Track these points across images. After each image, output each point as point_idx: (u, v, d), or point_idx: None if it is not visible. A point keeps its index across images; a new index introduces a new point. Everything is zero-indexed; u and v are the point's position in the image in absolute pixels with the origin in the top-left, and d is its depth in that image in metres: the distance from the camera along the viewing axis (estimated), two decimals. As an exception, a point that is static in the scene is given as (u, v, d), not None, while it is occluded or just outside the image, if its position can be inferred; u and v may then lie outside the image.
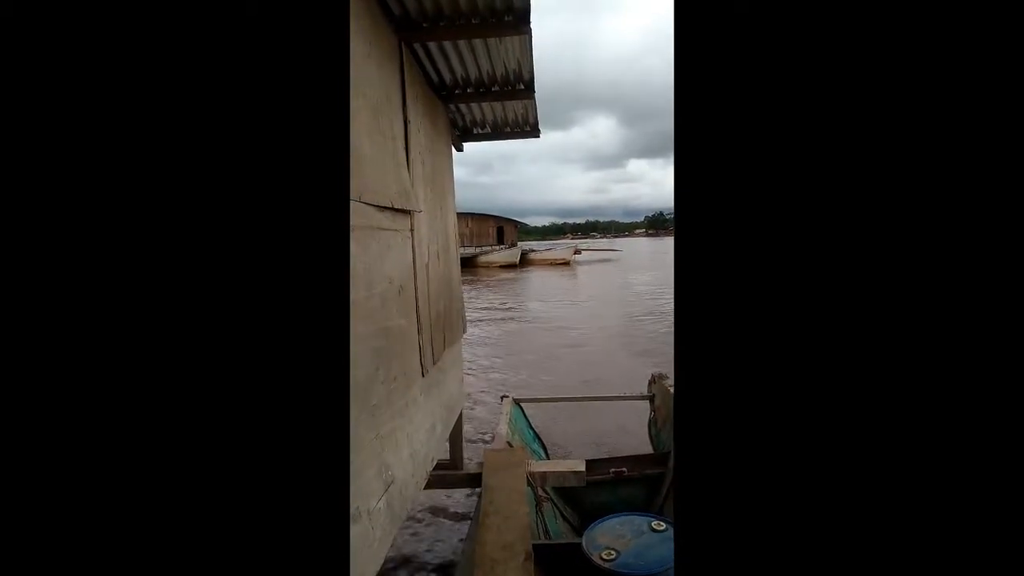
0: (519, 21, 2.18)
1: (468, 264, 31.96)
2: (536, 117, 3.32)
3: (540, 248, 40.96)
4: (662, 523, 2.33)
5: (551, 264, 32.46)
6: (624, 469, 3.07)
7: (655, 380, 4.07)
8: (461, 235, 38.30)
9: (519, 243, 44.63)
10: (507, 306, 15.30)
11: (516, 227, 47.64)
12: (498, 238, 42.73)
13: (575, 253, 34.22)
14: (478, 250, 35.59)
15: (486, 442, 4.07)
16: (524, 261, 33.26)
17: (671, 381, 3.88)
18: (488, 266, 31.61)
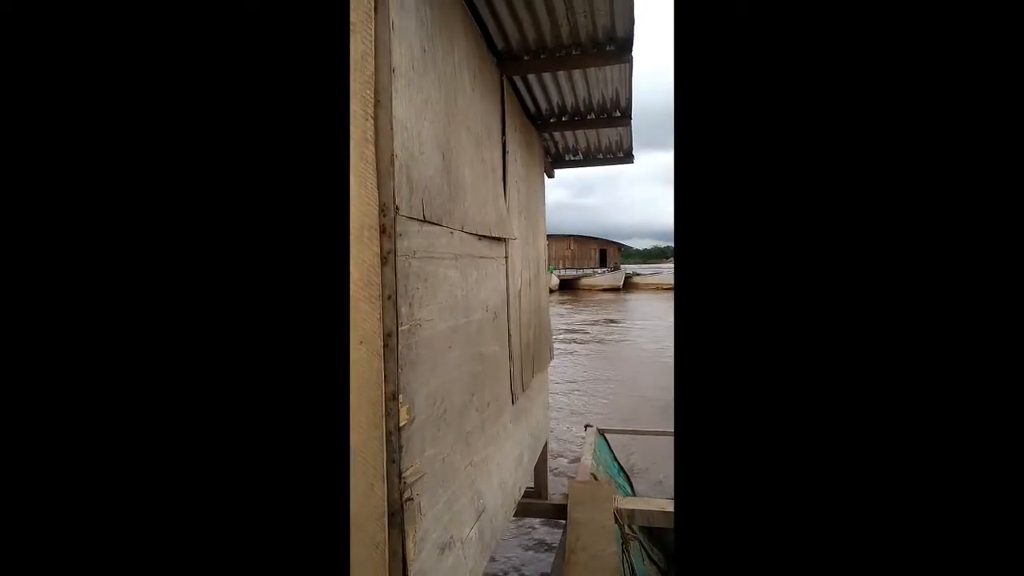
0: (621, 50, 2.17)
1: (570, 287, 31.90)
2: (631, 143, 3.28)
3: (644, 272, 39.83)
4: None
5: (656, 289, 31.43)
6: None
7: None
8: (563, 257, 38.75)
9: (621, 266, 43.84)
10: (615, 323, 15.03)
11: (619, 249, 46.95)
12: (600, 261, 42.35)
13: None
14: (580, 273, 35.44)
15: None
16: (628, 285, 32.50)
17: None
18: (591, 289, 31.31)
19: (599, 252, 43.03)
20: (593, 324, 16.10)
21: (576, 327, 15.44)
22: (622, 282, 31.83)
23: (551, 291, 29.08)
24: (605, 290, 30.67)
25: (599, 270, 37.84)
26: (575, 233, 43.10)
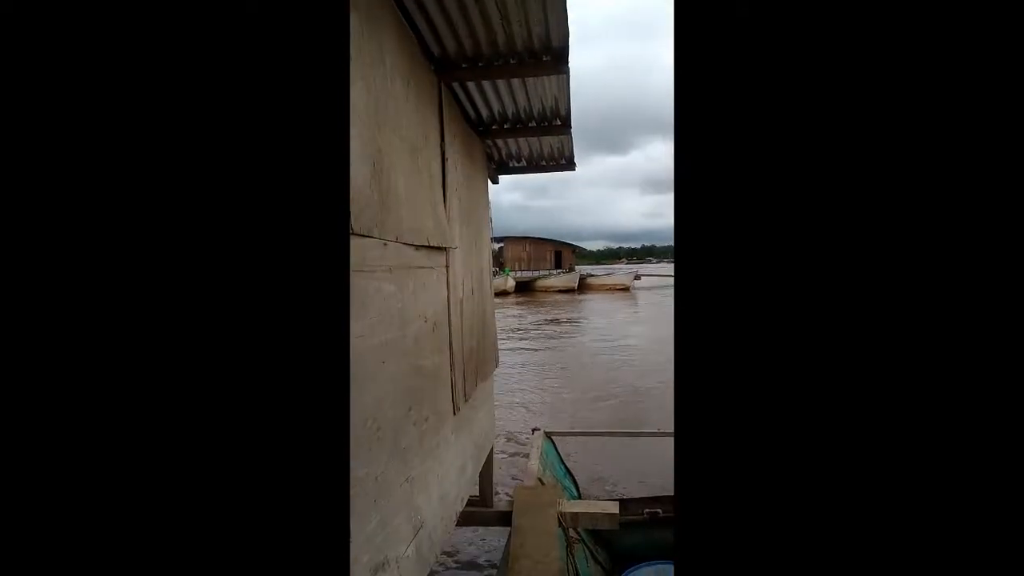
0: (557, 61, 2.18)
1: (526, 289, 32.10)
2: (572, 151, 3.32)
3: (598, 273, 40.46)
4: None
5: (610, 289, 31.98)
6: (659, 510, 2.91)
7: None
8: (519, 259, 38.95)
9: (576, 267, 44.41)
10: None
11: (573, 251, 47.47)
12: (556, 262, 42.74)
13: (635, 279, 33.61)
14: (536, 274, 35.69)
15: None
16: (582, 286, 32.92)
17: None
18: (546, 290, 31.57)
19: (554, 254, 43.45)
20: (550, 324, 16.23)
21: (531, 328, 15.53)
22: (577, 283, 32.24)
23: (507, 293, 29.30)
24: (560, 291, 31.02)
25: (554, 272, 38.23)
26: (531, 235, 43.44)
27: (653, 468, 4.58)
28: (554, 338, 13.73)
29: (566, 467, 3.70)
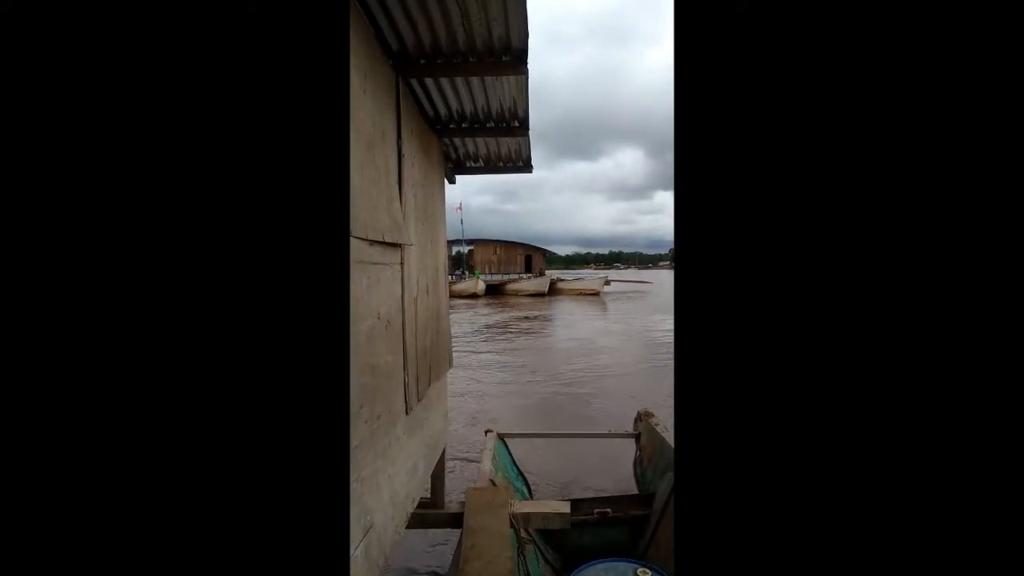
0: (516, 62, 2.19)
1: (496, 292, 32.14)
2: (529, 153, 3.33)
3: (568, 277, 40.81)
4: (647, 571, 2.22)
5: (580, 294, 32.35)
6: (608, 510, 2.95)
7: (641, 418, 3.94)
8: (489, 263, 38.79)
9: (546, 272, 44.58)
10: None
11: (544, 255, 47.64)
12: (526, 266, 42.83)
13: (605, 284, 34.00)
14: (506, 278, 35.71)
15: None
16: (553, 290, 33.19)
17: (657, 419, 3.77)
18: (516, 294, 31.67)
19: (525, 257, 43.55)
20: (524, 320, 16.26)
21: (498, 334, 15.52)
22: (547, 287, 32.50)
23: (477, 296, 29.14)
24: (531, 295, 31.20)
25: (524, 275, 38.35)
26: (501, 239, 43.43)
27: (606, 468, 4.63)
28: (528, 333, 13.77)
29: (518, 468, 3.70)
